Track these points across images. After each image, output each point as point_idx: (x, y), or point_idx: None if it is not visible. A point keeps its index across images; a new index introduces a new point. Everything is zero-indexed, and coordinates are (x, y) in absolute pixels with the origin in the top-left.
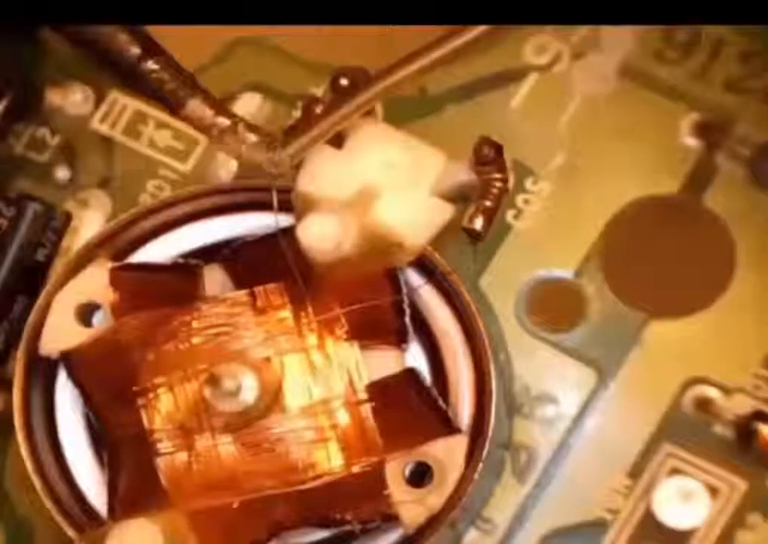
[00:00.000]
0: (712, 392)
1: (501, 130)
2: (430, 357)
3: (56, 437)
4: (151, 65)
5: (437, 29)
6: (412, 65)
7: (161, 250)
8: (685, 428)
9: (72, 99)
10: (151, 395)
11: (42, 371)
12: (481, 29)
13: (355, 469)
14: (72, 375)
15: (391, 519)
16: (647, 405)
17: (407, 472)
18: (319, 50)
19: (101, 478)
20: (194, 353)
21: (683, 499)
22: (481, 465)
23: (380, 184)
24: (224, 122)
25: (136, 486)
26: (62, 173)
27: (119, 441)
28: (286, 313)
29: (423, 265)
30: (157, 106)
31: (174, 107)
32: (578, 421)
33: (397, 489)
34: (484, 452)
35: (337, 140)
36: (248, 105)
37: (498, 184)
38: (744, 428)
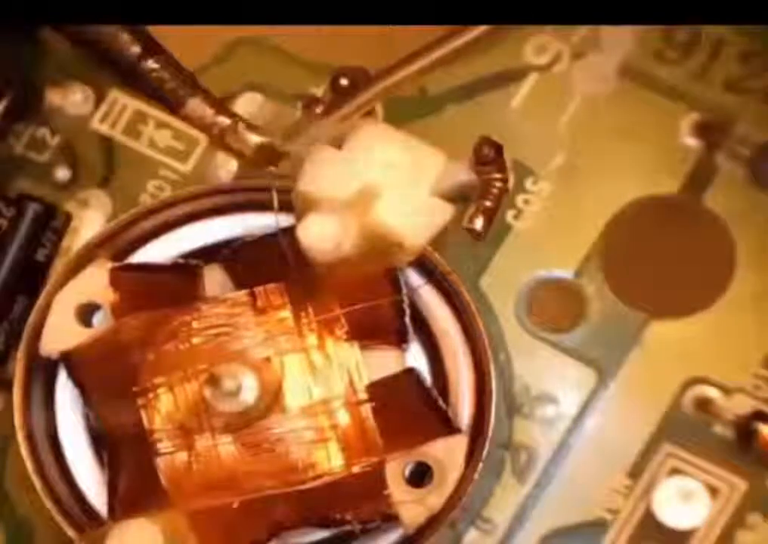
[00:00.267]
0: (712, 392)
1: (501, 130)
2: (430, 357)
3: (56, 437)
4: (151, 64)
5: (437, 29)
6: (412, 65)
7: (161, 250)
8: (685, 428)
9: (72, 99)
10: (151, 395)
11: (42, 371)
12: (481, 29)
13: (355, 469)
14: (72, 375)
15: (391, 519)
16: (647, 405)
17: (407, 472)
18: (319, 50)
19: (101, 478)
20: (194, 354)
21: (683, 499)
22: (481, 465)
23: (380, 184)
24: (224, 121)
25: (136, 486)
26: (62, 173)
27: (119, 441)
28: (286, 313)
29: (423, 265)
30: (157, 105)
31: (174, 106)
32: (578, 421)
33: (397, 489)
34: (484, 452)
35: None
36: (248, 105)
37: (498, 184)
38: (744, 428)
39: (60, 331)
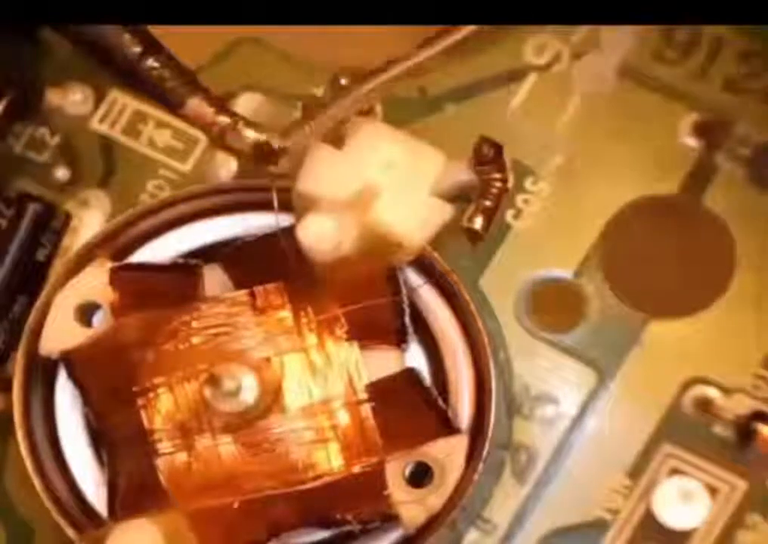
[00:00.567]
0: (712, 392)
1: (501, 130)
2: (430, 357)
3: (56, 437)
4: (151, 62)
5: (437, 29)
6: (407, 61)
7: (161, 250)
8: (685, 428)
9: (71, 99)
10: (151, 395)
11: (42, 371)
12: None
13: (355, 469)
14: (72, 375)
15: (391, 519)
16: (647, 405)
17: (407, 472)
18: (319, 50)
19: (101, 478)
20: (194, 353)
21: (683, 499)
22: (481, 465)
23: (380, 184)
24: (224, 120)
25: (136, 487)
26: (62, 173)
27: (119, 441)
28: (286, 313)
29: (423, 265)
30: (157, 105)
31: (174, 105)
32: (578, 421)
33: (398, 490)
34: (484, 452)
35: (337, 140)
36: (248, 105)
37: (498, 184)
38: (744, 428)
39: (60, 331)
